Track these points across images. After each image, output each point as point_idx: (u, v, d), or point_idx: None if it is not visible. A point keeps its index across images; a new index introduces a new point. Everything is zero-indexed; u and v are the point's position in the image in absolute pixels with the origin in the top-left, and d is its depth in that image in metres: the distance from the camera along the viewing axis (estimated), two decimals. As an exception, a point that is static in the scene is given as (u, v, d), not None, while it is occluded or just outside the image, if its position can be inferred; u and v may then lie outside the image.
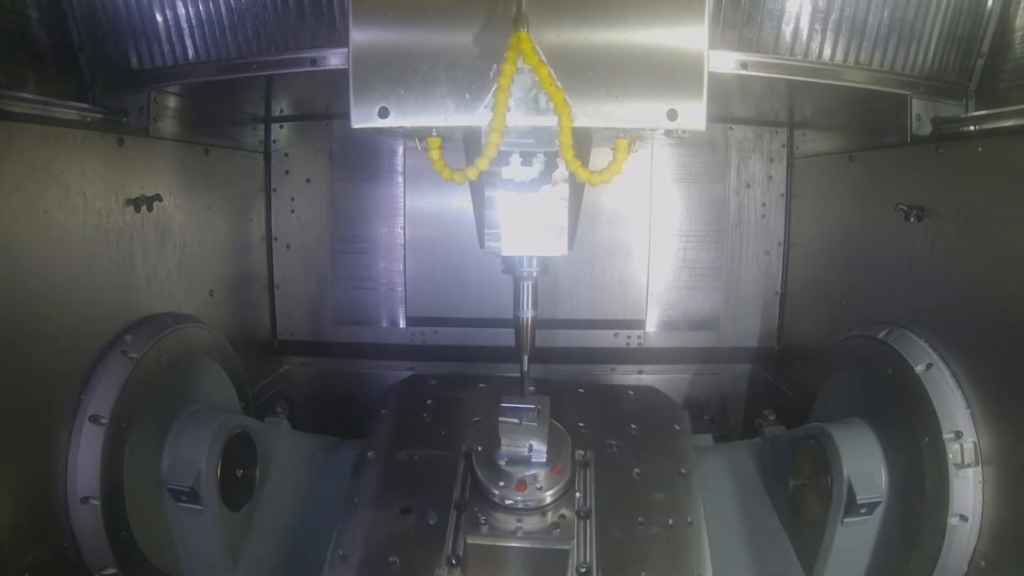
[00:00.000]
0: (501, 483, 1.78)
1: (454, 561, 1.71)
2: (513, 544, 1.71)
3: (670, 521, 1.88)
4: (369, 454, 2.05)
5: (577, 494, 1.87)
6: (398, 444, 2.09)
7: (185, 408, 2.04)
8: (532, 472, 1.79)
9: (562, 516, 1.78)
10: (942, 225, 1.84)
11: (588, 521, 1.83)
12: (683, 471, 2.05)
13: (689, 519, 1.89)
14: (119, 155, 1.94)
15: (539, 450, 1.79)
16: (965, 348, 1.74)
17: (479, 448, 1.89)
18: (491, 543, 1.71)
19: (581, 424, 2.16)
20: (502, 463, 1.81)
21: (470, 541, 1.71)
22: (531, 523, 1.75)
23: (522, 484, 1.77)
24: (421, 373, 2.58)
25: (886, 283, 2.10)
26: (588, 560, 1.74)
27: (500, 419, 1.76)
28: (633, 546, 1.81)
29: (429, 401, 2.29)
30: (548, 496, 1.78)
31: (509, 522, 1.75)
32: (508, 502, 1.77)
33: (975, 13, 1.96)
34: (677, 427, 2.24)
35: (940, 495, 1.68)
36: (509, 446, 1.79)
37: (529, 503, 1.77)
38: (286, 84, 2.37)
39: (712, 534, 1.89)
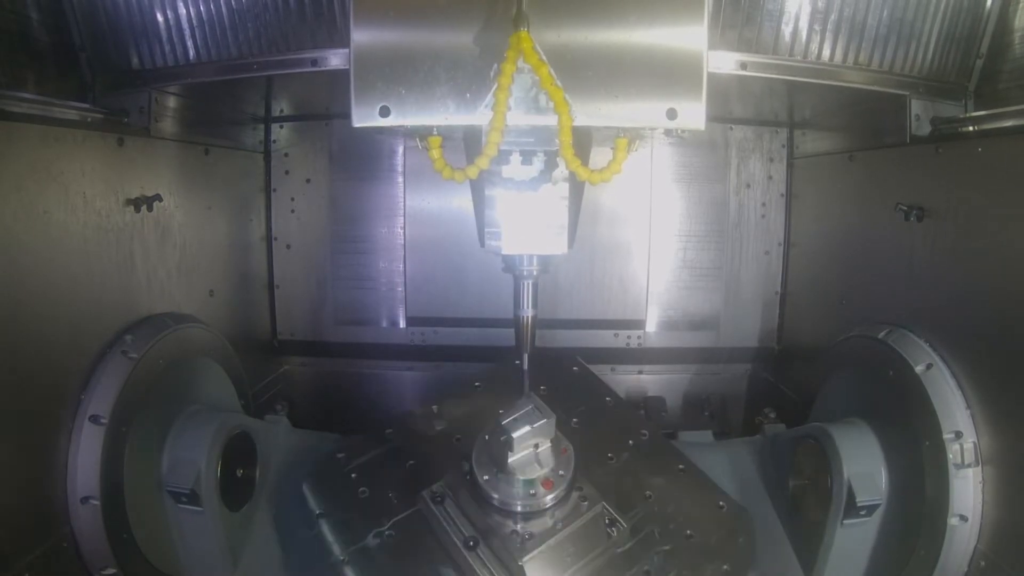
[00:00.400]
0: (532, 492, 1.75)
1: None
2: (563, 536, 1.71)
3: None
4: (339, 558, 1.84)
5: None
6: (356, 532, 1.90)
7: (185, 408, 2.04)
8: (548, 467, 1.78)
9: (579, 488, 1.81)
10: (942, 225, 1.85)
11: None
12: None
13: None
14: (119, 155, 1.94)
15: (545, 445, 1.78)
16: (965, 348, 1.74)
17: (485, 476, 1.79)
18: (546, 550, 1.69)
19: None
20: (520, 475, 1.76)
21: (525, 561, 1.67)
22: (564, 511, 1.76)
23: (548, 481, 1.75)
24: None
25: (886, 283, 2.11)
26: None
27: (513, 435, 1.71)
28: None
29: (354, 475, 2.04)
30: (568, 477, 1.78)
31: (546, 522, 1.75)
32: (541, 506, 1.75)
33: (974, 13, 1.97)
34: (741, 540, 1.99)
35: (940, 495, 1.68)
36: (520, 455, 1.75)
37: (556, 494, 1.76)
38: (286, 84, 2.37)
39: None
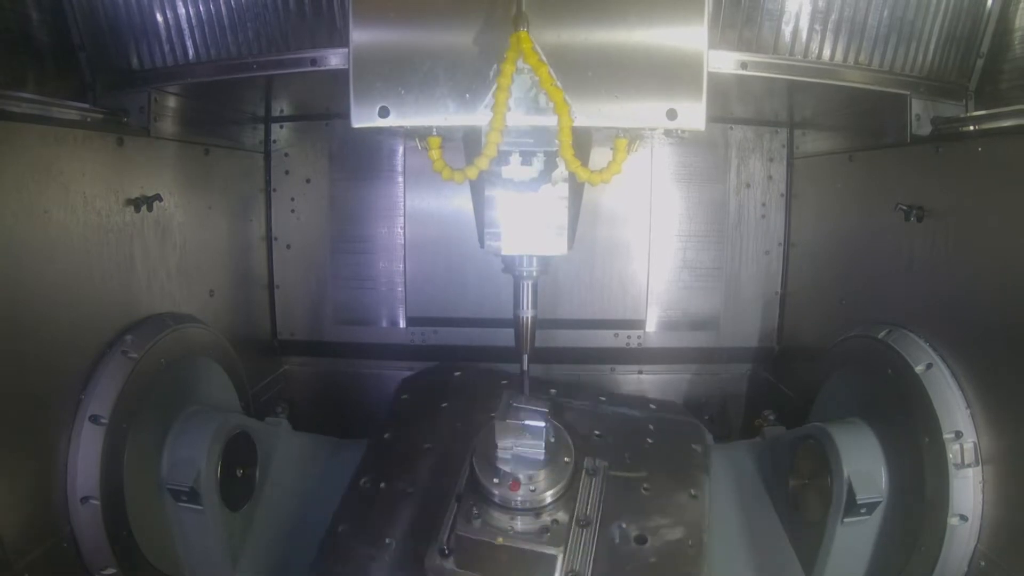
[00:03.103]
0: (496, 480, 1.76)
1: (446, 551, 1.71)
2: (500, 543, 1.68)
3: (675, 538, 1.87)
4: (385, 435, 2.07)
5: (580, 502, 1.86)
6: (413, 431, 2.12)
7: (185, 408, 2.04)
8: (528, 472, 1.77)
9: (555, 521, 1.75)
10: (942, 225, 1.84)
11: (588, 529, 1.81)
12: (693, 492, 2.02)
13: (690, 542, 1.88)
14: (119, 155, 1.94)
15: (537, 451, 1.78)
16: (965, 348, 1.74)
17: (482, 443, 1.87)
18: (479, 539, 1.69)
19: (597, 432, 2.14)
20: (500, 461, 1.79)
21: (460, 533, 1.69)
22: (524, 523, 1.73)
23: (516, 483, 1.75)
24: (443, 365, 2.61)
25: (886, 283, 2.10)
26: (581, 570, 1.71)
27: (504, 419, 1.75)
28: (631, 562, 1.79)
29: (446, 390, 2.32)
30: (547, 497, 1.77)
31: (502, 520, 1.73)
32: (502, 500, 1.75)
33: (974, 13, 1.96)
34: (696, 447, 2.22)
35: (940, 495, 1.68)
36: (507, 445, 1.78)
37: (524, 503, 1.75)
38: (286, 84, 2.37)
39: (712, 534, 1.88)
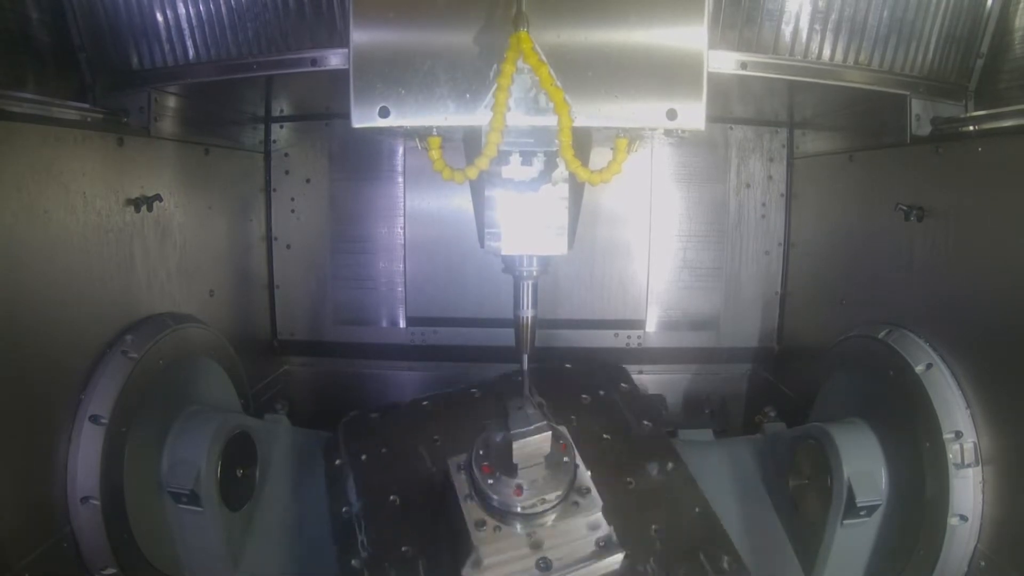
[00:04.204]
0: (490, 482, 1.69)
1: None
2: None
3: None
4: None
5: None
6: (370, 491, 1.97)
7: (185, 408, 2.04)
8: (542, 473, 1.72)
9: (576, 503, 1.71)
10: (942, 225, 1.84)
11: (588, 496, 1.77)
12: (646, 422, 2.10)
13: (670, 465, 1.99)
14: (119, 155, 1.94)
15: (545, 450, 1.73)
16: (965, 348, 1.74)
17: (480, 451, 1.76)
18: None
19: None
20: (519, 473, 1.70)
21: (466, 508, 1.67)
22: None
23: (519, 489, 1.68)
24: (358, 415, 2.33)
25: (886, 283, 2.10)
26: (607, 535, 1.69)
27: (514, 428, 1.67)
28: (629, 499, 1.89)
29: (379, 433, 2.15)
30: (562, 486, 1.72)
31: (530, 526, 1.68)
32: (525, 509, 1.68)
33: (974, 13, 1.96)
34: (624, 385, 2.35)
35: (940, 495, 1.68)
36: (526, 472, 1.70)
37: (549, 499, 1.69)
38: (286, 84, 2.37)
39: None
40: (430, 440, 2.12)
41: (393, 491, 1.98)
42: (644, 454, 2.10)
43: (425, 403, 2.30)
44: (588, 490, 1.75)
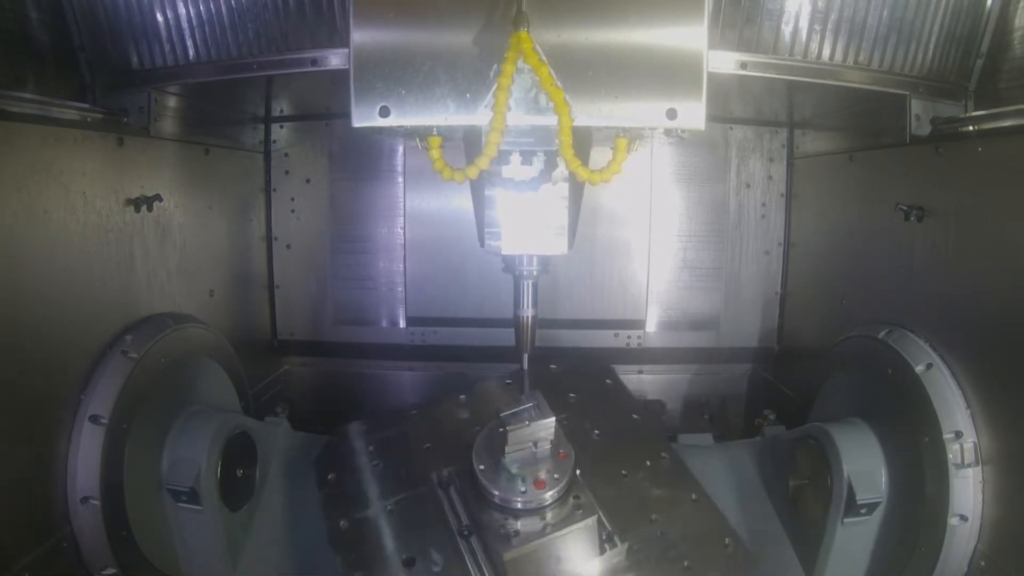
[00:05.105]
0: (523, 490, 1.74)
1: None
2: (549, 538, 1.69)
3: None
4: (341, 523, 1.90)
5: (577, 471, 1.86)
6: (363, 500, 1.97)
7: (185, 408, 2.04)
8: (543, 468, 1.77)
9: (576, 496, 1.78)
10: (942, 225, 1.84)
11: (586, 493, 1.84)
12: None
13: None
14: (119, 155, 1.94)
15: (544, 445, 1.79)
16: (965, 348, 1.74)
17: (481, 466, 1.81)
18: (531, 550, 1.68)
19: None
20: (513, 471, 1.76)
21: (509, 557, 1.66)
22: (558, 516, 1.74)
23: (541, 482, 1.74)
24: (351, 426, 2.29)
25: (886, 283, 2.10)
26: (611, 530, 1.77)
27: (508, 428, 1.73)
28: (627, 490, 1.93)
29: (371, 447, 2.14)
30: (564, 481, 1.77)
31: (536, 524, 1.73)
32: (532, 505, 1.74)
33: (974, 13, 1.96)
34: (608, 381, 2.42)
35: (940, 495, 1.68)
36: (514, 451, 1.76)
37: (550, 496, 1.75)
38: (286, 84, 2.37)
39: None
40: (421, 448, 2.11)
41: (388, 498, 1.97)
42: (636, 446, 2.13)
43: (414, 412, 2.29)
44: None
